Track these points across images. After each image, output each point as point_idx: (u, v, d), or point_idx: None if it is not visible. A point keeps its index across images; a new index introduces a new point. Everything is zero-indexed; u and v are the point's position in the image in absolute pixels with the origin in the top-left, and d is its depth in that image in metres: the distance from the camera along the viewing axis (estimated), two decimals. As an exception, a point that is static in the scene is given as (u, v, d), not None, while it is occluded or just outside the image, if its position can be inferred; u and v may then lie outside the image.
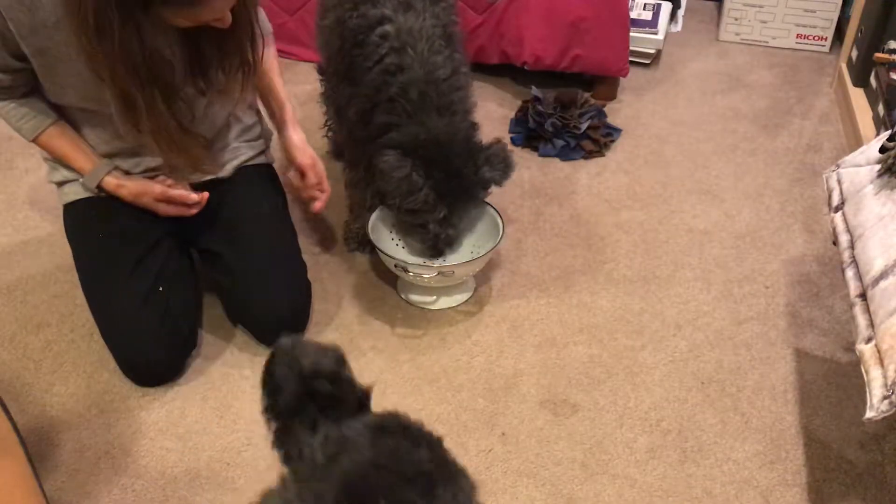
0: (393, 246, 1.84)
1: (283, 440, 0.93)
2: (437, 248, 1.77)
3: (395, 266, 1.74)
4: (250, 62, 1.47)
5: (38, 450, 1.50)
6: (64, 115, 1.56)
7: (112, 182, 1.59)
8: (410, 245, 1.82)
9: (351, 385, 0.95)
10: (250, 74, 1.50)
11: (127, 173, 1.61)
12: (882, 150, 1.43)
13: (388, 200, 1.72)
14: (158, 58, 1.34)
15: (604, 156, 2.31)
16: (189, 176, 1.64)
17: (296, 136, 1.72)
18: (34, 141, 1.56)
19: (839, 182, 1.54)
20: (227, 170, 1.71)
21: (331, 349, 0.94)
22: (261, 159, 1.78)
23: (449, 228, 1.73)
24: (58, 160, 1.62)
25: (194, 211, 1.63)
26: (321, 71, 1.93)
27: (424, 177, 1.63)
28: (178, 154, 1.50)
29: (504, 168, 1.73)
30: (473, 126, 1.72)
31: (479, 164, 1.69)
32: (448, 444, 1.51)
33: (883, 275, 1.27)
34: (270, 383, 0.93)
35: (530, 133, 2.33)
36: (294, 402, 0.91)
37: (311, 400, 0.91)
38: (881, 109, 2.15)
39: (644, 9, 2.74)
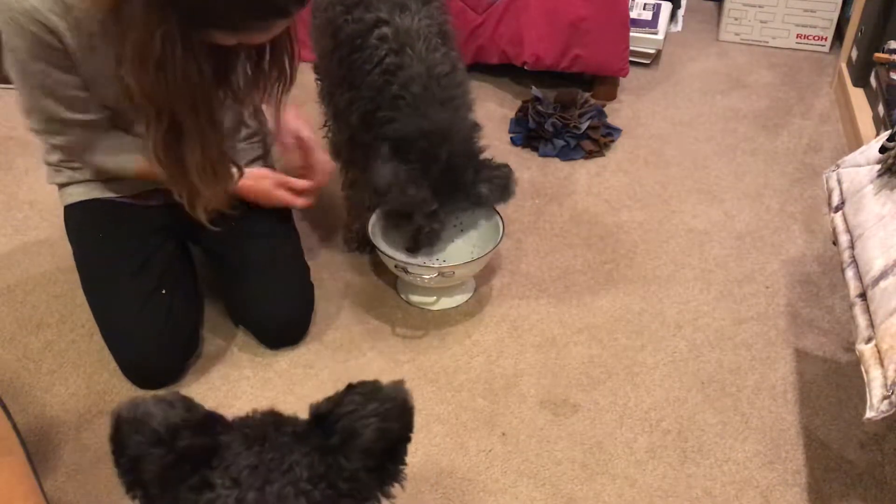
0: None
1: None
2: (417, 241, 1.75)
3: (396, 266, 1.74)
4: (288, 75, 1.44)
5: (38, 450, 1.50)
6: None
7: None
8: (392, 239, 1.80)
9: (218, 420, 0.85)
10: (286, 88, 1.46)
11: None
12: (882, 150, 1.43)
13: (380, 202, 1.72)
14: (210, 85, 1.32)
15: (604, 156, 2.31)
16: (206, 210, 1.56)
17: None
18: (137, 173, 1.55)
19: (839, 182, 1.54)
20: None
21: (173, 397, 0.83)
22: (265, 161, 1.78)
23: (434, 223, 1.72)
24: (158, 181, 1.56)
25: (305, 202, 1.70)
26: (317, 69, 1.94)
27: (421, 175, 1.63)
28: (214, 185, 1.44)
29: (501, 193, 1.73)
30: (475, 126, 1.72)
31: (479, 178, 1.69)
32: (448, 444, 1.52)
33: (883, 275, 1.27)
34: (124, 459, 0.81)
35: (530, 133, 2.33)
36: (163, 471, 0.80)
37: (184, 460, 0.80)
38: (881, 109, 2.15)
39: (644, 9, 2.74)
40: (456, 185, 1.68)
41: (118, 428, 0.81)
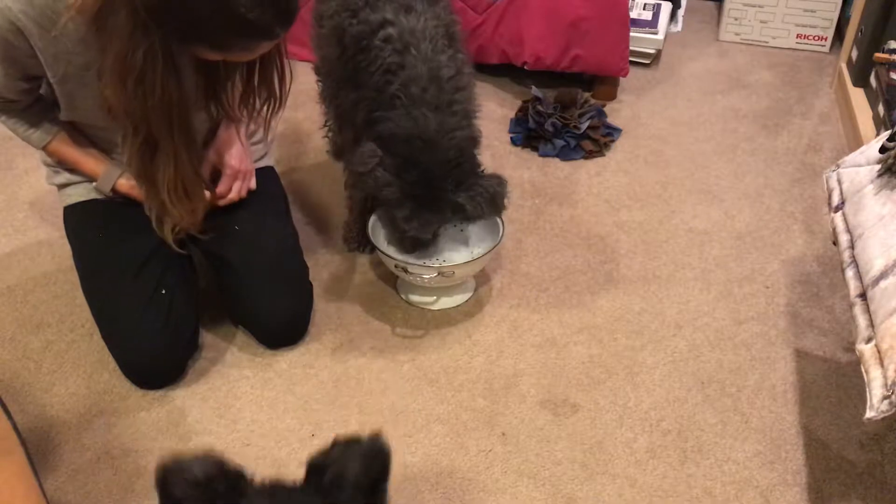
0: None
1: None
2: (403, 243, 1.74)
3: (396, 266, 1.74)
4: (277, 96, 1.45)
5: (38, 450, 1.50)
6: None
7: (125, 184, 1.59)
8: (392, 240, 1.80)
9: (243, 476, 0.98)
10: (275, 110, 1.47)
11: None
12: (882, 150, 1.43)
13: (356, 182, 1.71)
14: (188, 104, 1.33)
15: (604, 156, 2.31)
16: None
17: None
18: (44, 149, 1.56)
19: (839, 182, 1.54)
20: None
21: (207, 454, 0.96)
22: (263, 162, 1.78)
23: (411, 228, 1.69)
24: (65, 165, 1.62)
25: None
26: (317, 71, 1.93)
27: (394, 174, 1.61)
28: (183, 205, 1.46)
29: (485, 206, 1.67)
30: (474, 137, 1.67)
31: (459, 189, 1.64)
32: (448, 444, 1.52)
33: (883, 275, 1.27)
34: (169, 501, 0.94)
35: (530, 133, 2.33)
36: None
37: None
38: (881, 109, 2.15)
39: (644, 9, 2.74)
40: (437, 193, 1.64)
41: (163, 475, 0.94)
